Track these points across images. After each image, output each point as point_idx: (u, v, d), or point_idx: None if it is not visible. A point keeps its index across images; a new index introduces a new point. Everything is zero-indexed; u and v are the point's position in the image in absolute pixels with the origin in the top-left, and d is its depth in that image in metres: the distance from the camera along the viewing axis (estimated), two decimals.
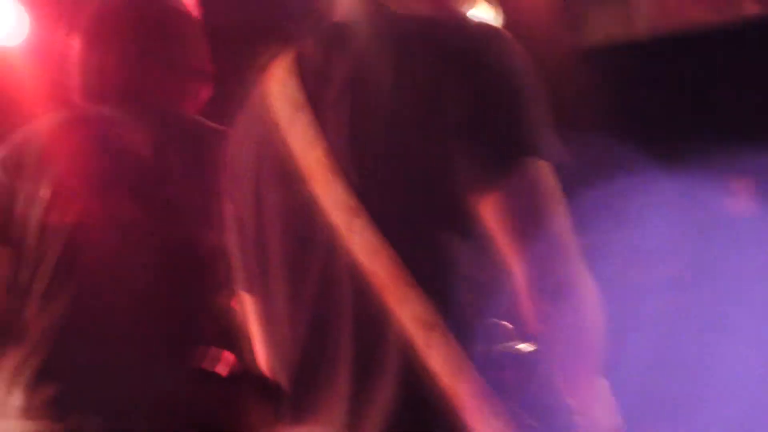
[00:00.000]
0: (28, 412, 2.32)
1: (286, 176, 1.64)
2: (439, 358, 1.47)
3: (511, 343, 1.52)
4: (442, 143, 1.51)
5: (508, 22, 4.54)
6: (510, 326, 1.53)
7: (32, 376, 2.34)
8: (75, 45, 2.52)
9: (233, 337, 2.08)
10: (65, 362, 2.28)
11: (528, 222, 1.49)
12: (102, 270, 2.35)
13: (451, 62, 1.53)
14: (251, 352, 1.83)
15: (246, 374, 2.01)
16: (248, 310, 1.80)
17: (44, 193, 2.41)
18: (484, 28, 1.61)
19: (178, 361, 2.22)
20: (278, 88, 1.69)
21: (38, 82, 4.59)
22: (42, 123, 2.52)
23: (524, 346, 1.51)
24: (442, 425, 1.48)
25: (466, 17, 1.72)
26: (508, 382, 1.49)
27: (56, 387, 2.30)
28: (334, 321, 1.59)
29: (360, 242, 1.53)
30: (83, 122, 2.49)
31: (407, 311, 1.50)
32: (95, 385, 2.26)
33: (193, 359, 2.12)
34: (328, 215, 1.57)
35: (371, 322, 1.54)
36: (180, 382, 2.21)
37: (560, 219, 1.50)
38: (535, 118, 1.52)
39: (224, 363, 2.03)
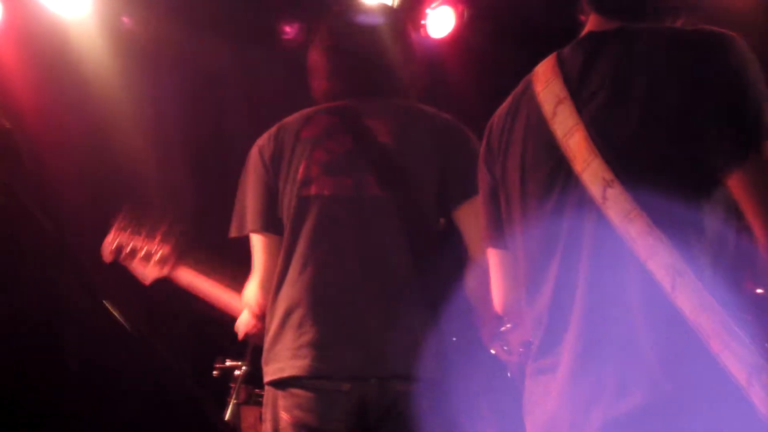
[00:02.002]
0: (297, 351, 2.84)
1: (551, 155, 2.05)
2: (685, 300, 1.81)
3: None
4: (694, 125, 1.89)
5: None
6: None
7: (299, 321, 2.87)
8: (314, 49, 3.23)
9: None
10: (327, 309, 2.88)
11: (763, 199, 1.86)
12: (350, 237, 2.95)
13: (699, 64, 1.92)
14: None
15: None
16: (493, 261, 2.33)
17: (300, 173, 3.01)
18: (718, 33, 1.97)
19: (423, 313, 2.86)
20: (543, 86, 2.12)
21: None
22: (295, 116, 3.13)
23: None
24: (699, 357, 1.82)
25: (704, 28, 2.03)
26: (747, 311, 1.83)
27: (319, 330, 2.85)
28: (575, 276, 2.00)
29: (614, 208, 1.90)
30: (331, 113, 3.10)
31: (656, 261, 1.84)
32: (352, 330, 2.85)
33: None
34: (586, 187, 1.95)
35: (614, 270, 1.93)
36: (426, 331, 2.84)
37: None
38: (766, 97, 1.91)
39: None
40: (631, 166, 1.92)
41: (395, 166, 3.00)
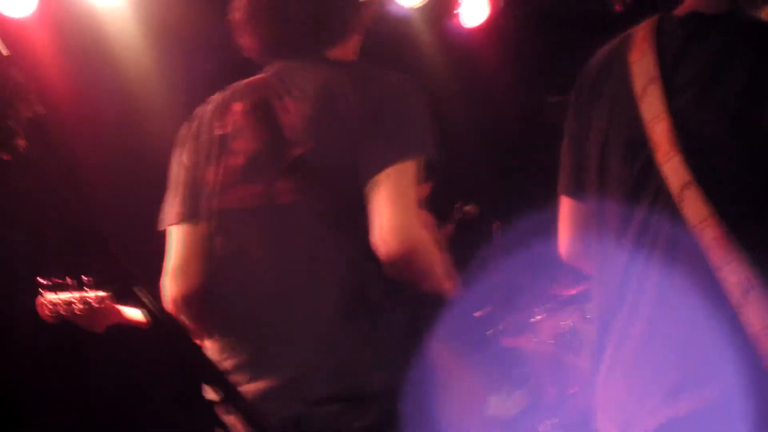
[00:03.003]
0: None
1: (634, 134, 1.99)
2: (751, 315, 1.78)
3: None
4: None
5: None
6: None
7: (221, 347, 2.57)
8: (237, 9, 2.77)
9: None
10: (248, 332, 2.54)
11: None
12: (261, 256, 2.56)
13: None
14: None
15: None
16: (565, 209, 2.28)
17: (209, 183, 2.64)
18: None
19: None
20: (638, 57, 2.04)
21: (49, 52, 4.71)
22: (212, 102, 2.76)
23: None
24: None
25: None
26: None
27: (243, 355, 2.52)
28: (646, 250, 1.97)
29: (690, 209, 1.85)
30: (245, 97, 2.71)
31: (727, 272, 1.81)
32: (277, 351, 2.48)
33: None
34: (665, 179, 1.90)
35: (686, 271, 1.89)
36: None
37: None
38: None
39: None
40: (714, 170, 1.87)
41: (312, 165, 2.52)
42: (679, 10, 2.07)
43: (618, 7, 5.78)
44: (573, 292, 4.08)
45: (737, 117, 1.85)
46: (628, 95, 2.03)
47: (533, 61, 6.13)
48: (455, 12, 5.69)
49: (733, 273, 1.81)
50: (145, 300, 1.52)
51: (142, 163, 5.12)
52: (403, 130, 2.42)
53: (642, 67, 2.01)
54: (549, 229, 5.40)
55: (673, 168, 1.89)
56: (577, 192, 2.24)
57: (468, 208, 4.43)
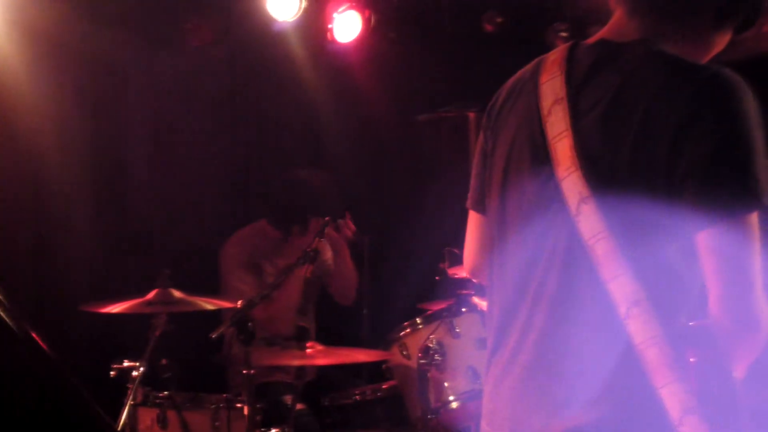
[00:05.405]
0: None
1: (537, 151, 2.07)
2: (637, 329, 1.84)
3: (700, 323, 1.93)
4: (680, 171, 1.86)
5: None
6: None
7: None
8: None
9: None
10: None
11: (724, 266, 1.87)
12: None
13: (702, 106, 1.87)
14: None
15: None
16: (471, 223, 2.38)
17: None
18: (730, 86, 1.90)
19: None
20: (548, 78, 2.11)
21: None
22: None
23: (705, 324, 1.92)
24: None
25: (720, 67, 1.96)
26: (692, 354, 1.86)
27: None
28: (544, 263, 2.04)
29: (585, 223, 1.92)
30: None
31: (616, 285, 1.87)
32: None
33: None
34: (564, 195, 1.96)
35: (579, 284, 1.96)
36: None
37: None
38: (759, 165, 1.85)
39: None
40: (609, 189, 1.92)
41: None
42: (591, 39, 2.15)
43: (489, 27, 5.93)
44: (441, 306, 4.13)
45: (633, 140, 1.91)
46: (535, 113, 2.10)
47: (404, 78, 6.21)
48: (329, 27, 5.72)
49: (621, 287, 1.86)
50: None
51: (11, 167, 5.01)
52: None
53: (550, 87, 2.09)
54: (416, 245, 5.45)
55: (572, 183, 1.96)
56: (481, 206, 2.31)
57: (339, 221, 4.45)
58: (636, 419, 1.89)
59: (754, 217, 1.87)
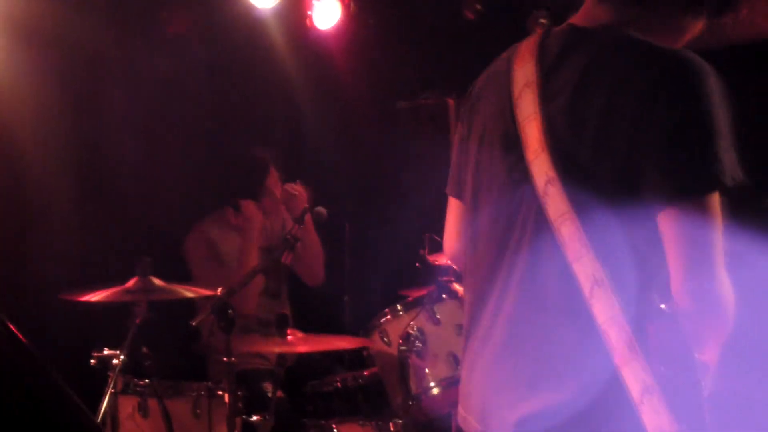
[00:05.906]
0: None
1: (508, 134, 2.11)
2: (599, 309, 1.87)
3: (663, 305, 1.95)
4: (641, 152, 1.88)
5: None
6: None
7: None
8: None
9: None
10: None
11: (685, 248, 1.88)
12: None
13: (662, 87, 1.89)
14: None
15: None
16: (450, 208, 2.44)
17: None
18: (693, 65, 1.92)
19: None
20: (520, 64, 2.16)
21: None
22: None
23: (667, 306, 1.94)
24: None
25: (683, 50, 2.00)
26: (653, 334, 1.91)
27: None
28: (513, 245, 2.08)
29: (551, 204, 1.96)
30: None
31: (580, 266, 1.90)
32: None
33: None
34: (532, 176, 2.01)
35: (545, 265, 1.99)
36: None
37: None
38: (722, 147, 1.87)
39: None
40: (574, 170, 1.96)
41: None
42: (562, 26, 2.18)
43: (469, 15, 5.93)
44: (422, 293, 4.14)
45: (597, 123, 1.94)
46: (506, 97, 2.14)
47: (384, 65, 6.21)
48: (308, 14, 5.71)
49: (584, 267, 1.90)
50: None
51: None
52: None
53: (522, 72, 2.13)
54: (396, 231, 5.44)
55: (539, 165, 2.00)
56: (458, 191, 2.36)
57: (318, 209, 4.46)
58: (601, 399, 1.91)
59: (715, 198, 1.88)
